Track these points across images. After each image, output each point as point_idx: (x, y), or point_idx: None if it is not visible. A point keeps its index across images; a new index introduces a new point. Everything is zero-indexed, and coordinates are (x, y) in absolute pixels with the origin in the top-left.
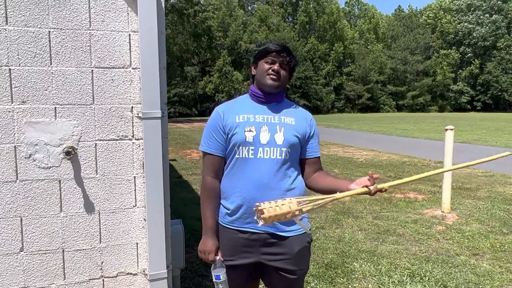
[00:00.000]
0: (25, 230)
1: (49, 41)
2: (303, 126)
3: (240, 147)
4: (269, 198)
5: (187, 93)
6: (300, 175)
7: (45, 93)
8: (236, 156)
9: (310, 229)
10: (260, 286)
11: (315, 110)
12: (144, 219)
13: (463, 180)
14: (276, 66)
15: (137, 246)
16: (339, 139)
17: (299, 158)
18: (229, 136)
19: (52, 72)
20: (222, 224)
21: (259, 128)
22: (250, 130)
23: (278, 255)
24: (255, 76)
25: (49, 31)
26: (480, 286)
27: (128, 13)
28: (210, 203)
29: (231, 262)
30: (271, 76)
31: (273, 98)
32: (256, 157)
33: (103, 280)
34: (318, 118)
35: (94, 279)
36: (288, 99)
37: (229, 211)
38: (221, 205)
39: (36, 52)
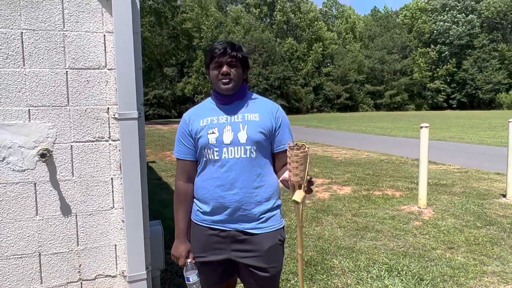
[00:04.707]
0: (0, 234)
1: (22, 42)
2: (268, 120)
3: (206, 150)
4: (236, 197)
5: (166, 95)
6: (272, 171)
7: (18, 95)
8: (204, 158)
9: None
10: (240, 285)
11: (294, 110)
12: (122, 221)
13: (439, 176)
14: (224, 68)
15: (115, 248)
16: (318, 139)
17: (271, 152)
18: (196, 140)
19: (25, 74)
20: (194, 221)
21: (222, 129)
22: (213, 132)
23: (248, 252)
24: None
25: (22, 32)
26: (455, 279)
27: (102, 14)
28: (182, 207)
29: (202, 259)
30: (222, 80)
31: (234, 98)
32: (221, 157)
33: (81, 283)
34: (298, 118)
35: (72, 282)
36: (256, 92)
37: (201, 210)
38: (194, 203)
39: (8, 54)
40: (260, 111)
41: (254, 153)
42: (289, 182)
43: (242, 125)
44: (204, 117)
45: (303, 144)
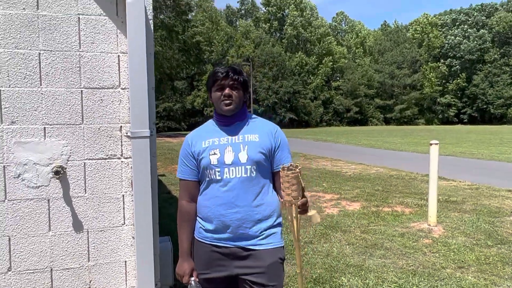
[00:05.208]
0: (13, 249)
1: (39, 62)
2: (267, 140)
3: (208, 170)
4: (237, 215)
5: (176, 107)
6: (272, 190)
7: (35, 113)
8: (207, 178)
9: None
10: None
11: (303, 123)
12: (133, 237)
13: (449, 193)
14: (226, 91)
15: (125, 264)
16: (327, 153)
17: (271, 172)
18: (198, 161)
19: (41, 93)
20: (197, 238)
21: (223, 150)
22: (215, 153)
23: (250, 268)
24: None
25: (39, 53)
26: None
27: (117, 35)
28: (185, 226)
29: (206, 276)
30: (225, 102)
31: (235, 119)
32: (222, 177)
33: None
34: (307, 132)
35: None
36: (256, 113)
37: (204, 227)
38: (197, 221)
39: (26, 74)
40: (259, 132)
41: (254, 172)
42: (282, 201)
43: (242, 146)
44: (206, 138)
45: (297, 165)
